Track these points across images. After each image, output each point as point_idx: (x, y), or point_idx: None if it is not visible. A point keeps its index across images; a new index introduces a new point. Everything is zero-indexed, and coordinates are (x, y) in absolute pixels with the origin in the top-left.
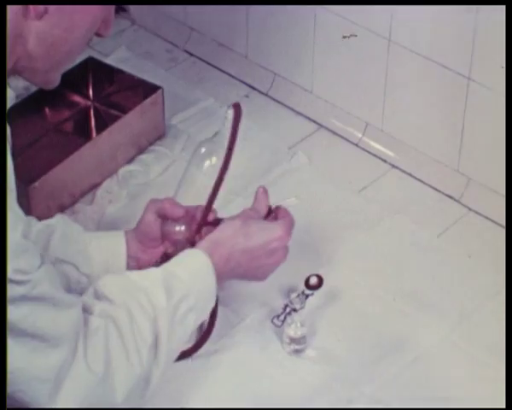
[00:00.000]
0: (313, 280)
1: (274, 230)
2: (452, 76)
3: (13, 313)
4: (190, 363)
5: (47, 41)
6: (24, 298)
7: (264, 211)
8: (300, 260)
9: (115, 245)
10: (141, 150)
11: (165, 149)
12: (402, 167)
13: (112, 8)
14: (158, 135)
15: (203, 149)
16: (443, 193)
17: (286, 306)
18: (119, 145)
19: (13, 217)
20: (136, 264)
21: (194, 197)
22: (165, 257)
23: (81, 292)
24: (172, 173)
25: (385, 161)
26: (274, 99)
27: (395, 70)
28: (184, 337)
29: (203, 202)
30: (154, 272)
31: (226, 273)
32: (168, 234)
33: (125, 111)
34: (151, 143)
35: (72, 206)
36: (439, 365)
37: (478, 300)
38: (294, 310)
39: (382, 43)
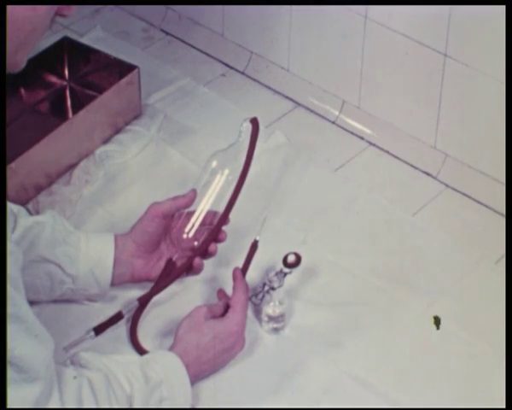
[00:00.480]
0: (291, 258)
1: (229, 328)
2: (429, 53)
3: None
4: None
5: (10, 20)
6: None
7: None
8: (278, 239)
9: (103, 248)
10: (117, 130)
11: (141, 129)
12: (379, 145)
13: None
14: (134, 115)
15: (215, 162)
16: (420, 170)
17: (264, 284)
18: (96, 125)
19: None
20: (130, 269)
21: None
22: (170, 264)
23: (64, 293)
24: (149, 153)
25: (362, 138)
26: (251, 77)
27: (372, 47)
28: None
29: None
30: (131, 356)
31: (196, 373)
32: (175, 238)
33: (101, 91)
34: (127, 123)
35: (49, 187)
36: (418, 342)
37: (455, 276)
38: (273, 288)
39: (359, 21)
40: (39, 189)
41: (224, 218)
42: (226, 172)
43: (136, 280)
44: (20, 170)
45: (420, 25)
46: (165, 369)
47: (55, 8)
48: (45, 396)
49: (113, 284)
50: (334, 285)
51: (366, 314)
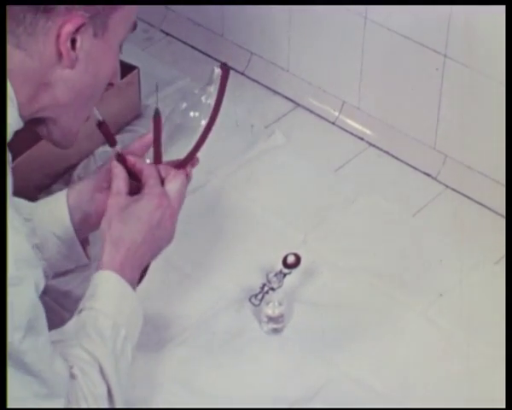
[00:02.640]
0: (291, 259)
1: (148, 202)
2: (428, 53)
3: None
4: (167, 345)
5: (75, 88)
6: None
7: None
8: (277, 240)
9: (56, 204)
10: (117, 130)
11: (141, 129)
12: (379, 145)
13: (118, 57)
14: (134, 115)
15: (184, 104)
16: (420, 171)
17: (264, 285)
18: (95, 126)
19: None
20: (94, 206)
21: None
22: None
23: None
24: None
25: (362, 139)
26: (250, 78)
27: (372, 48)
28: (127, 366)
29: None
30: (76, 320)
31: (136, 268)
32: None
33: None
34: (127, 123)
35: (49, 187)
36: (416, 342)
37: (454, 277)
38: (272, 289)
39: (358, 21)
40: (39, 189)
41: (192, 156)
42: (197, 114)
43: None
44: (19, 170)
45: (420, 25)
46: (114, 307)
47: (110, 77)
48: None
49: (83, 233)
50: (334, 286)
51: (365, 315)
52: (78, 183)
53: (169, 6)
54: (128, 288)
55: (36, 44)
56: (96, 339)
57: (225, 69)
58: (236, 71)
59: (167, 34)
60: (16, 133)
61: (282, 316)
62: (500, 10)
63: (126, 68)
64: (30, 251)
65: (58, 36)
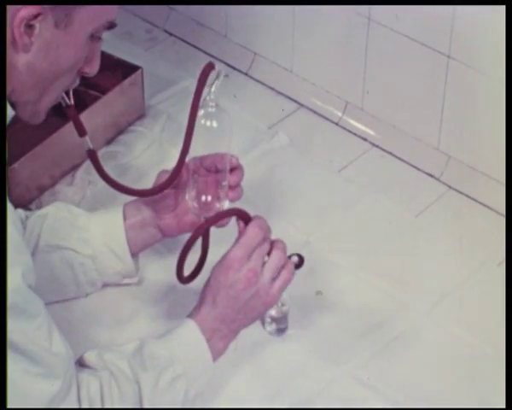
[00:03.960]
0: (294, 259)
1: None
2: (432, 54)
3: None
4: None
5: (36, 73)
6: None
7: None
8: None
9: (112, 219)
10: (120, 131)
11: (144, 130)
12: (382, 146)
13: (95, 47)
14: (137, 115)
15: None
16: (423, 171)
17: None
18: (99, 126)
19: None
20: (158, 231)
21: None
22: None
23: (85, 274)
24: (152, 153)
25: (365, 139)
26: (254, 78)
27: (375, 49)
28: (172, 403)
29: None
30: (135, 342)
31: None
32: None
33: (104, 91)
34: (131, 124)
35: (52, 187)
36: (420, 344)
37: (457, 278)
38: None
39: (362, 22)
40: (42, 189)
41: (181, 164)
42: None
43: (170, 235)
44: (23, 170)
45: (423, 26)
46: (178, 342)
47: (77, 66)
48: (62, 396)
49: (137, 252)
50: (337, 287)
51: (369, 316)
52: (135, 209)
53: (172, 6)
54: (204, 345)
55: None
56: (146, 360)
57: (209, 65)
58: (240, 71)
59: (171, 34)
60: (19, 133)
61: (285, 316)
62: (502, 11)
63: (130, 68)
64: (17, 237)
65: (12, 19)
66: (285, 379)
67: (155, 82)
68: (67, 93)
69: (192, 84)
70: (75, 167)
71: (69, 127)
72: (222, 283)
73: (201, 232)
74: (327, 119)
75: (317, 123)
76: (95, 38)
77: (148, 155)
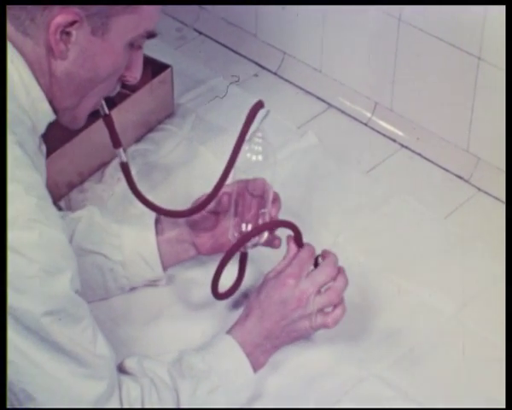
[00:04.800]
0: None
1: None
2: (462, 55)
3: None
4: None
5: (74, 80)
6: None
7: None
8: (309, 240)
9: (144, 227)
10: (150, 129)
11: (173, 128)
12: (411, 147)
13: (136, 55)
14: (167, 113)
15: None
16: (452, 173)
17: None
18: (128, 124)
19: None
20: (193, 247)
21: None
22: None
23: (115, 280)
24: (181, 152)
25: (394, 140)
26: (283, 78)
27: (405, 49)
28: None
29: None
30: (175, 353)
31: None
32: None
33: (134, 89)
34: (160, 122)
35: (81, 184)
36: (447, 345)
37: (485, 281)
38: None
39: (392, 22)
40: (71, 186)
41: (217, 191)
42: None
43: (204, 253)
44: (52, 167)
45: (454, 27)
46: (216, 355)
47: (117, 73)
48: (106, 397)
49: (169, 266)
50: (364, 287)
51: (395, 317)
52: (172, 223)
53: (203, 5)
54: (244, 359)
55: (38, 31)
56: (184, 370)
57: (258, 104)
58: (269, 71)
59: (200, 33)
60: (49, 130)
61: None
62: None
63: (159, 67)
64: (65, 243)
65: (48, 26)
66: (311, 381)
67: (185, 80)
68: (108, 100)
69: (221, 83)
70: (104, 165)
71: (98, 125)
72: (274, 298)
73: (238, 248)
74: (356, 119)
75: (346, 123)
76: (135, 46)
77: (177, 153)
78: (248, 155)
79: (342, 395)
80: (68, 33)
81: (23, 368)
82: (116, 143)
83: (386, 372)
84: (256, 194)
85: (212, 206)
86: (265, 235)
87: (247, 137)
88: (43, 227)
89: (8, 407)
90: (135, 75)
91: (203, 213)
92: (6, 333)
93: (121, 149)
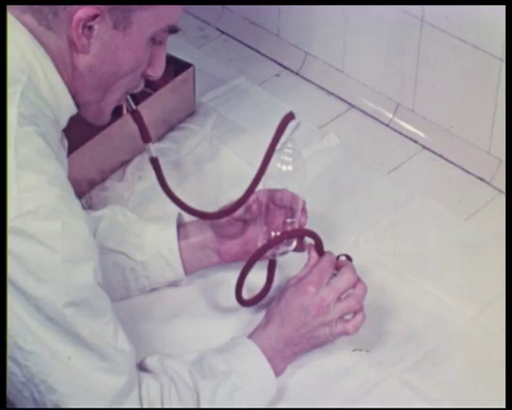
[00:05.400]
0: (342, 259)
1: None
2: (485, 57)
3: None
4: None
5: (97, 74)
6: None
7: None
8: (328, 241)
9: (166, 227)
10: (171, 128)
11: (195, 127)
12: (433, 149)
13: (159, 51)
14: (188, 112)
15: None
16: (473, 175)
17: None
18: (150, 122)
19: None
20: (216, 254)
21: None
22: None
23: (136, 280)
24: (202, 151)
25: (416, 141)
26: (305, 78)
27: (427, 50)
28: None
29: None
30: (196, 354)
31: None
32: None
33: (155, 88)
34: (181, 121)
35: (102, 182)
36: (467, 348)
37: (506, 283)
38: None
39: (415, 23)
40: (93, 184)
41: (247, 196)
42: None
43: (227, 261)
44: (73, 165)
45: (476, 29)
46: (237, 357)
47: (140, 69)
48: (126, 391)
49: (191, 271)
50: (384, 288)
51: (416, 318)
52: (197, 228)
53: (225, 5)
54: (266, 363)
55: (61, 25)
56: (205, 370)
57: (289, 115)
58: (291, 71)
59: (223, 33)
60: (71, 128)
61: None
62: None
63: (181, 66)
64: (88, 234)
65: (70, 20)
66: (331, 381)
67: (206, 80)
68: (133, 97)
69: (243, 83)
70: (125, 163)
71: (120, 124)
72: (295, 306)
73: (260, 255)
74: (377, 120)
75: (368, 124)
76: (157, 41)
77: (198, 152)
78: (278, 164)
79: (362, 395)
80: (90, 27)
81: (44, 359)
82: (146, 137)
83: (405, 374)
84: (283, 205)
85: (240, 213)
86: (294, 243)
87: (278, 147)
88: (65, 218)
89: (26, 395)
90: (157, 71)
91: (230, 218)
92: (6, 333)
93: (150, 144)
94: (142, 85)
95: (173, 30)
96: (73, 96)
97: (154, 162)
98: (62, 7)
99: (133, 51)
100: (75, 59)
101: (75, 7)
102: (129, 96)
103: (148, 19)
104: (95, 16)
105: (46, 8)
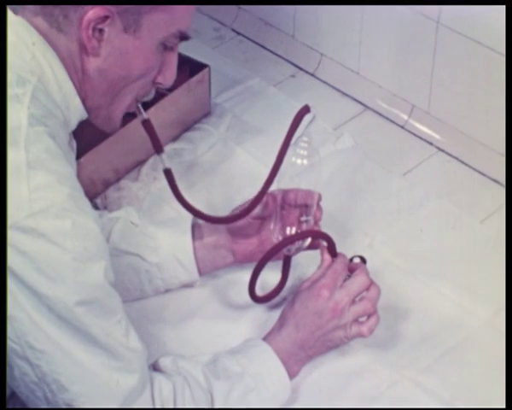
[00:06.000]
0: (356, 261)
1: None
2: (500, 59)
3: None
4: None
5: (107, 78)
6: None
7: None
8: (343, 242)
9: (180, 230)
10: (186, 128)
11: (210, 128)
12: (448, 151)
13: (169, 58)
14: (204, 113)
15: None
16: (488, 177)
17: None
18: (165, 123)
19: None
20: (231, 254)
21: None
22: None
23: (150, 281)
24: (217, 151)
25: (431, 143)
26: (320, 80)
27: (443, 52)
28: None
29: None
30: (209, 355)
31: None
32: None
33: (171, 89)
34: (196, 121)
35: (117, 182)
36: (482, 350)
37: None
38: None
39: (431, 25)
40: (107, 184)
41: (261, 196)
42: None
43: (241, 261)
44: (88, 165)
45: (492, 31)
46: (251, 359)
47: (150, 74)
48: (138, 391)
49: (205, 272)
50: (399, 290)
51: (431, 321)
52: (212, 228)
53: (241, 6)
54: (280, 366)
55: (71, 27)
56: (219, 372)
57: (305, 108)
58: (306, 72)
59: (238, 33)
60: (86, 128)
61: None
62: None
63: (197, 66)
64: (98, 233)
65: (81, 22)
66: (345, 382)
67: (222, 80)
68: (144, 106)
69: (258, 84)
70: (140, 163)
71: (135, 124)
72: (309, 309)
73: (274, 253)
74: (392, 121)
75: (383, 125)
76: (168, 48)
77: (213, 153)
78: (293, 158)
79: (376, 396)
80: (101, 30)
81: (56, 358)
82: (158, 148)
83: (419, 376)
84: (297, 204)
85: (257, 211)
86: (308, 240)
87: (293, 142)
88: (75, 217)
89: (39, 395)
90: (168, 79)
91: (247, 219)
92: (6, 333)
93: (163, 155)
94: (152, 93)
95: (184, 37)
96: (83, 101)
97: (168, 173)
98: (73, 9)
99: (143, 55)
100: (85, 62)
101: (85, 8)
102: (140, 105)
103: (158, 23)
104: (105, 18)
105: (57, 11)
